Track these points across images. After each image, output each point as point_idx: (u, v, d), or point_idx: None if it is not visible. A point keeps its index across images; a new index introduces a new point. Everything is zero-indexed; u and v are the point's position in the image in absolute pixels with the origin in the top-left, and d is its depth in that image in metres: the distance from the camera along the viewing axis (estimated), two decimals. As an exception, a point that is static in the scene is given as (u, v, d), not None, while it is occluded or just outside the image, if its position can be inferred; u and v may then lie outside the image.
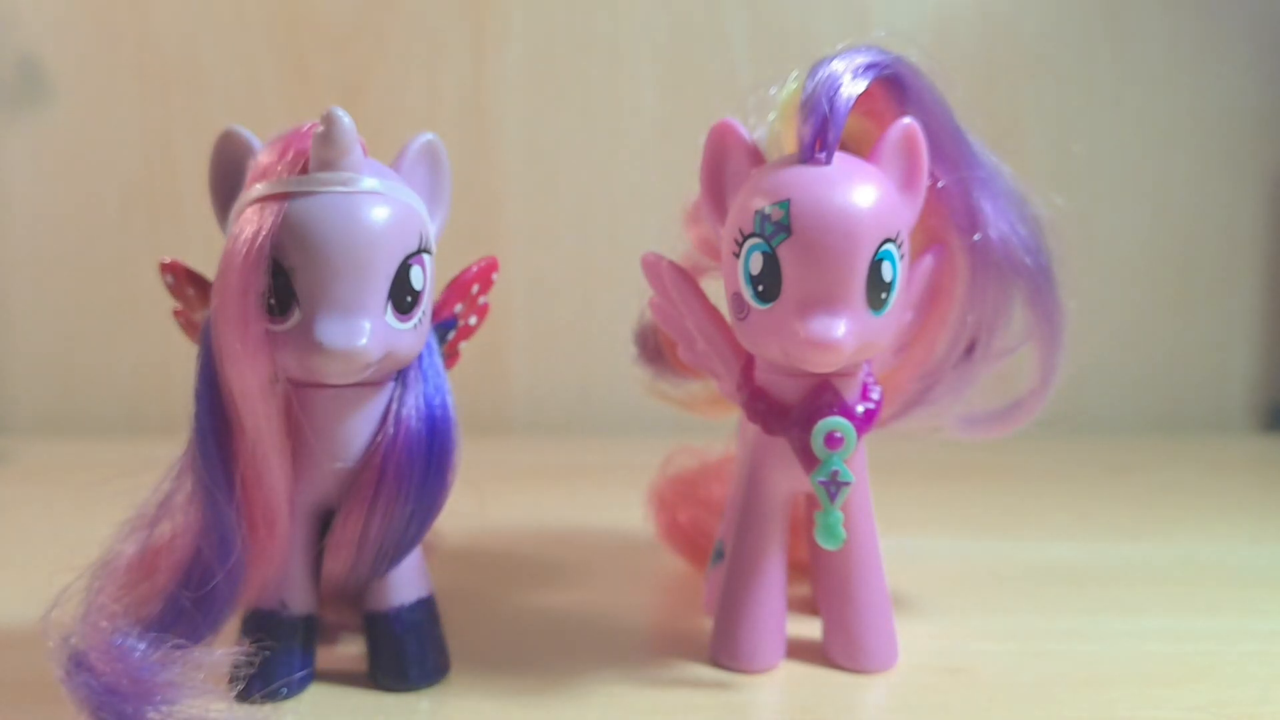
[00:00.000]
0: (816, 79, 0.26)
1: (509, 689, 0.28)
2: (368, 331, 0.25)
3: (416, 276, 0.26)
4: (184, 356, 0.27)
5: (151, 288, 0.32)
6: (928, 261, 0.29)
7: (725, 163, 0.28)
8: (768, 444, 0.29)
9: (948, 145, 0.29)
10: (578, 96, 0.66)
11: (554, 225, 0.67)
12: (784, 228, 0.25)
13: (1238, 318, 0.69)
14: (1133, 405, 0.68)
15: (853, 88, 0.26)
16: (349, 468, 0.27)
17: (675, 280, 0.29)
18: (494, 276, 0.31)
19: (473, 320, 0.31)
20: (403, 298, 0.26)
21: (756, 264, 0.26)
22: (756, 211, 0.26)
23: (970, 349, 0.30)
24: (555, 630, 0.33)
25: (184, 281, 0.30)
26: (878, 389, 0.29)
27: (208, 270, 0.27)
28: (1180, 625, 0.33)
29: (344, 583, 0.28)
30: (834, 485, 0.27)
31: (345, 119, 0.26)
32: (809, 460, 0.27)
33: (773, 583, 0.30)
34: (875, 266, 0.26)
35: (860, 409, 0.28)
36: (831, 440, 0.27)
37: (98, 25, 0.65)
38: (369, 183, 0.26)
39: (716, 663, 0.30)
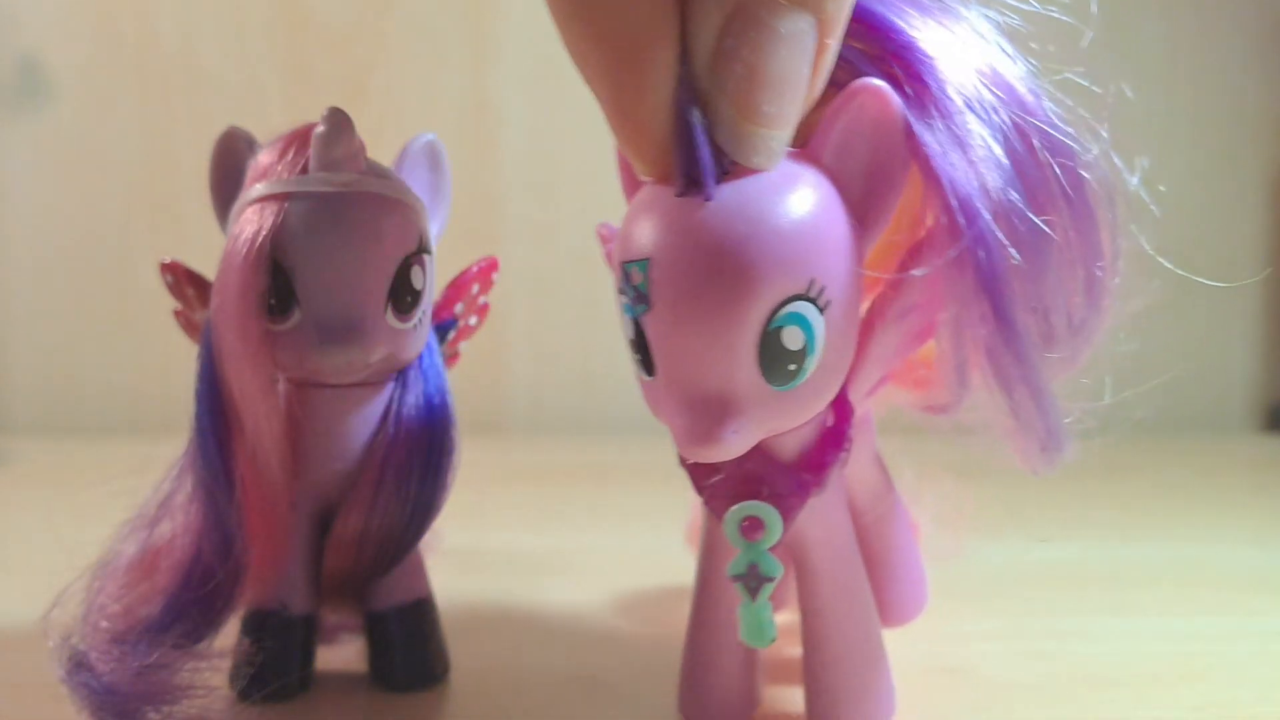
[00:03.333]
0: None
1: (509, 689, 0.28)
2: (368, 331, 0.25)
3: (416, 276, 0.26)
4: (184, 356, 0.27)
5: (151, 288, 0.32)
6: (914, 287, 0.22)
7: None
8: None
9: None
10: (578, 96, 0.65)
11: (554, 225, 0.67)
12: (643, 298, 0.19)
13: (1238, 318, 0.69)
14: (1133, 405, 0.68)
15: None
16: (349, 468, 0.27)
17: None
18: (494, 276, 0.31)
19: (473, 320, 0.31)
20: (403, 298, 0.26)
21: (629, 329, 0.20)
22: (621, 265, 0.20)
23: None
24: (555, 630, 0.33)
25: (184, 281, 0.30)
26: (842, 444, 0.22)
27: (208, 270, 0.27)
28: (1180, 625, 0.33)
29: (344, 583, 0.28)
30: (753, 580, 0.22)
31: (345, 119, 0.26)
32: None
33: (733, 645, 0.24)
34: (773, 337, 0.19)
35: (804, 474, 0.22)
36: (749, 529, 0.21)
37: (98, 25, 0.65)
38: (369, 183, 0.26)
39: (683, 716, 0.26)
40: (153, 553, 0.26)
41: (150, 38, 0.66)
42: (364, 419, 0.27)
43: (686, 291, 0.19)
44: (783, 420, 0.20)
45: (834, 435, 0.22)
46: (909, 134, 0.20)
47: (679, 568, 0.39)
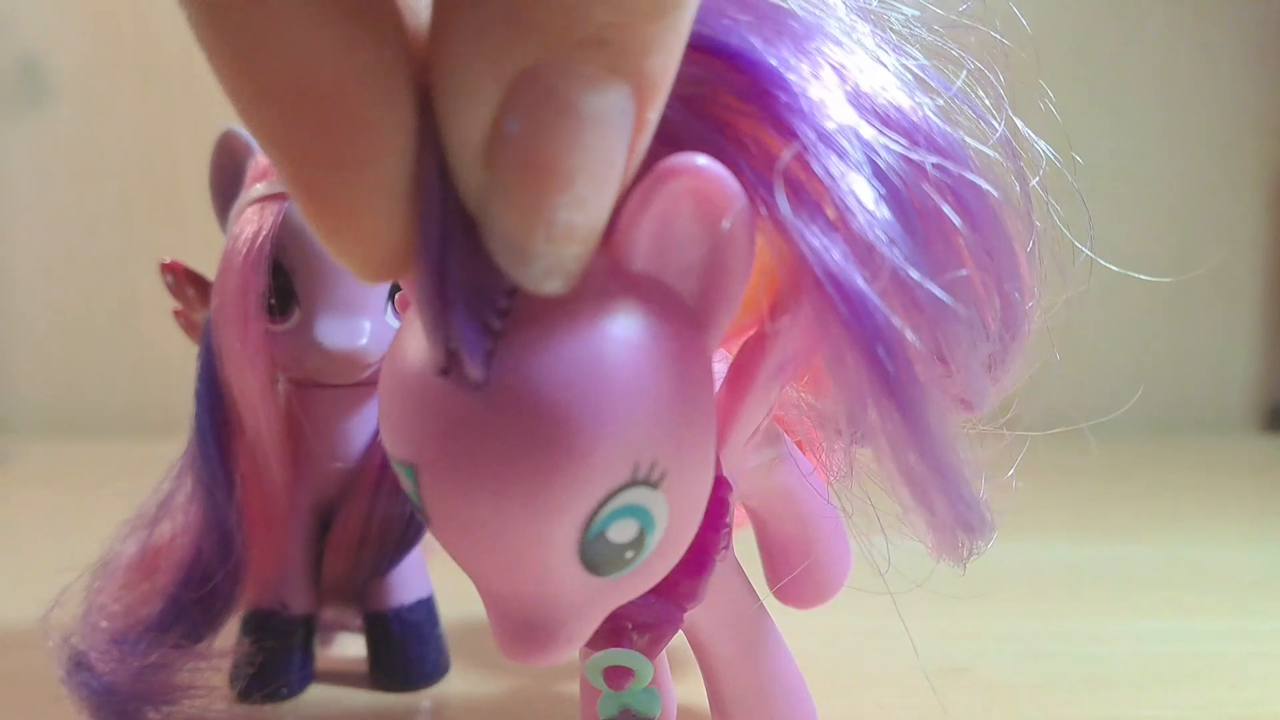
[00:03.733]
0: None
1: (509, 689, 0.28)
2: (368, 331, 0.25)
3: (416, 276, 0.26)
4: (184, 356, 0.27)
5: (151, 288, 0.32)
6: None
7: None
8: None
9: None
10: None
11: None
12: (420, 509, 0.15)
13: (1238, 318, 0.69)
14: (1133, 405, 0.68)
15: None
16: (349, 468, 0.27)
17: None
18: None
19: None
20: (403, 298, 0.26)
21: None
22: (391, 458, 0.15)
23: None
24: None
25: (184, 281, 0.30)
26: (722, 529, 0.18)
27: (208, 270, 0.27)
28: (1180, 625, 0.33)
29: (344, 582, 0.28)
30: None
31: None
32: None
33: None
34: (595, 541, 0.14)
35: (669, 589, 0.18)
36: (613, 677, 0.18)
37: (98, 25, 0.66)
38: (369, 183, 0.26)
39: None
40: (153, 553, 0.26)
41: (150, 38, 0.66)
42: (364, 419, 0.27)
43: (472, 520, 0.14)
44: (626, 597, 0.16)
45: (703, 545, 0.17)
46: (754, 213, 0.15)
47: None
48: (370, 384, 0.27)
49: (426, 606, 0.29)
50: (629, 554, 0.15)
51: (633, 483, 0.14)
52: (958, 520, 0.19)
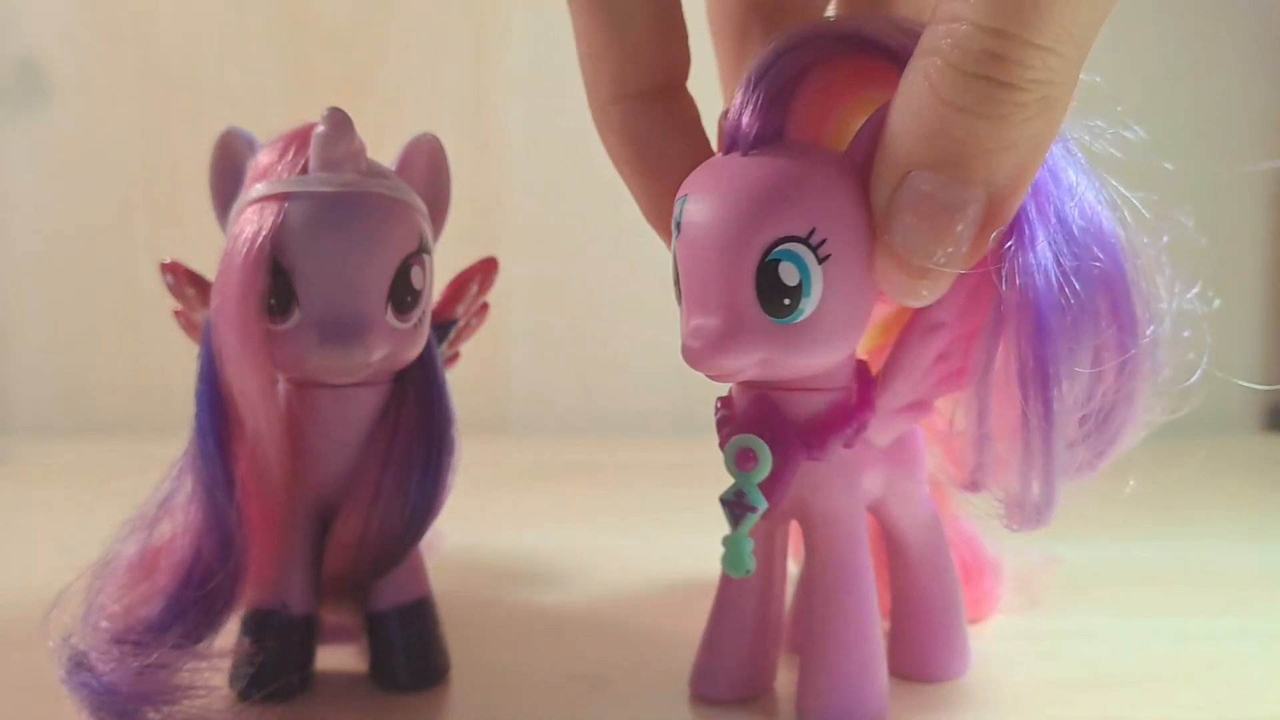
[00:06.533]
0: (760, 55, 0.23)
1: (509, 689, 0.28)
2: (368, 331, 0.25)
3: (416, 276, 0.26)
4: (184, 356, 0.27)
5: (151, 288, 0.32)
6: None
7: None
8: None
9: None
10: (579, 96, 0.66)
11: (554, 225, 0.67)
12: (678, 225, 0.23)
13: (1238, 318, 0.69)
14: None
15: (800, 59, 0.23)
16: (349, 468, 0.27)
17: None
18: (494, 276, 0.31)
19: (473, 320, 0.31)
20: (403, 298, 0.26)
21: (671, 265, 0.24)
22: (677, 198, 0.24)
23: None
24: (555, 631, 0.33)
25: (184, 281, 0.30)
26: (855, 421, 0.24)
27: (208, 270, 0.27)
28: (1180, 625, 0.33)
29: (344, 583, 0.28)
30: (739, 508, 0.24)
31: (345, 119, 0.26)
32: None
33: (748, 614, 0.27)
34: (769, 268, 0.22)
35: (804, 432, 0.24)
36: (742, 458, 0.24)
37: (98, 25, 0.65)
38: (369, 183, 0.26)
39: (692, 690, 0.28)
40: (153, 553, 0.26)
41: (150, 38, 0.66)
42: (364, 419, 0.27)
43: (704, 218, 0.22)
44: (780, 356, 0.22)
45: (843, 412, 0.24)
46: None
47: (679, 566, 0.39)
48: (370, 384, 0.27)
49: (426, 606, 0.29)
50: (787, 301, 0.22)
51: (805, 240, 0.22)
52: (1042, 505, 0.24)
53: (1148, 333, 0.24)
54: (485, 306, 0.31)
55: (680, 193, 0.23)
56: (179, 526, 0.25)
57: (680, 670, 0.29)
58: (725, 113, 0.24)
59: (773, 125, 0.23)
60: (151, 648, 0.24)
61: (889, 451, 0.26)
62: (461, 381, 0.30)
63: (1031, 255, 0.22)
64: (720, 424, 0.25)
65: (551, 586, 0.37)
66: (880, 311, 0.27)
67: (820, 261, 0.22)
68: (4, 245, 0.67)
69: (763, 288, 0.22)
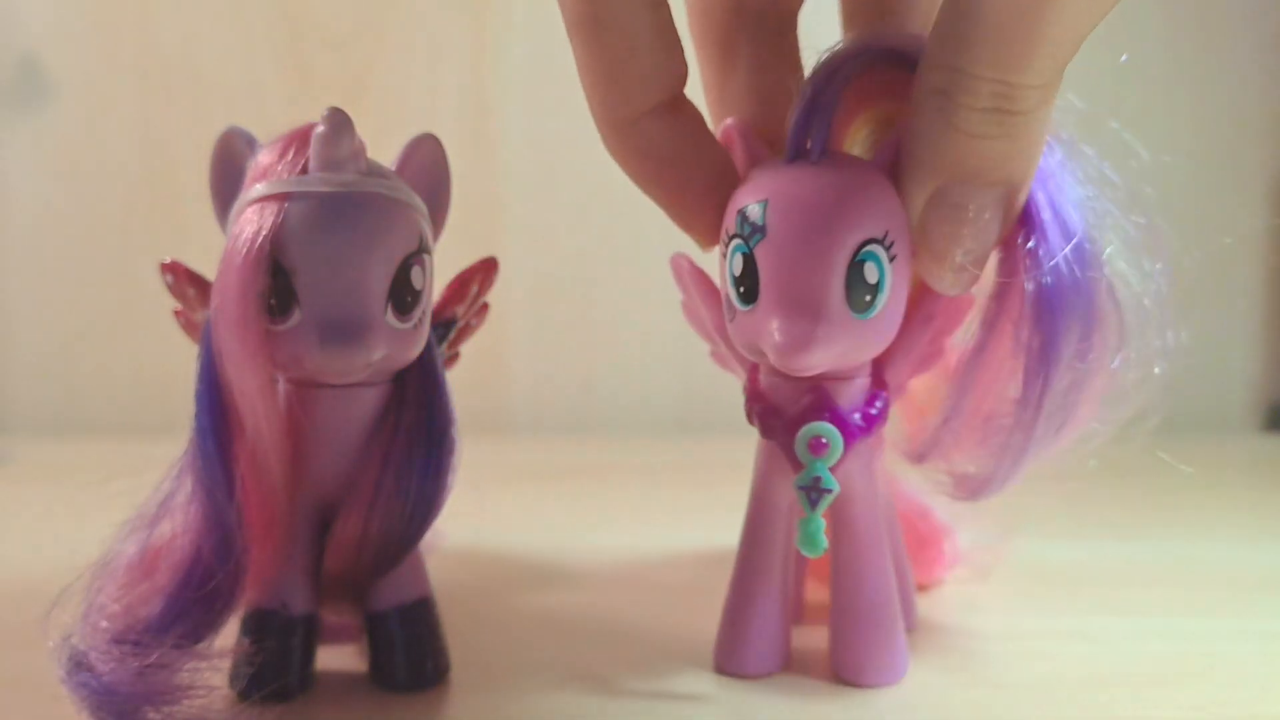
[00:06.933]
0: (814, 66, 0.26)
1: (509, 689, 0.28)
2: (368, 332, 0.25)
3: (416, 276, 0.26)
4: (184, 356, 0.27)
5: (151, 288, 0.32)
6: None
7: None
8: (771, 451, 0.28)
9: None
10: (579, 96, 0.66)
11: (554, 225, 0.67)
12: (760, 228, 0.25)
13: (1238, 318, 0.69)
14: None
15: (846, 74, 0.25)
16: (349, 468, 0.27)
17: (694, 281, 0.30)
18: (494, 276, 0.31)
19: (473, 320, 0.31)
20: (403, 298, 0.26)
21: (738, 265, 0.25)
22: (739, 211, 0.26)
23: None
24: (555, 631, 0.33)
25: (184, 281, 0.30)
26: (883, 399, 0.28)
27: (208, 270, 0.27)
28: (1180, 625, 0.33)
29: (344, 583, 0.28)
30: (815, 492, 0.26)
31: (345, 119, 0.26)
32: (797, 465, 0.27)
33: (775, 590, 0.29)
34: (856, 268, 0.25)
35: (856, 416, 0.27)
36: (815, 445, 0.26)
37: (98, 25, 0.65)
38: (369, 183, 0.26)
39: (719, 668, 0.29)
40: (153, 553, 0.26)
41: (150, 38, 0.66)
42: (364, 419, 0.27)
43: (799, 221, 0.24)
44: (852, 348, 0.25)
45: (874, 395, 0.27)
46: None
47: (679, 567, 0.39)
48: (370, 384, 0.27)
49: (426, 607, 0.29)
50: (868, 297, 0.25)
51: (881, 241, 0.25)
52: (1001, 482, 0.28)
53: (1131, 325, 0.28)
54: (485, 306, 0.31)
55: (751, 198, 0.25)
56: (179, 526, 0.25)
57: (681, 670, 0.29)
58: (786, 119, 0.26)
59: (830, 136, 0.26)
60: (151, 648, 0.24)
61: None
62: (461, 381, 0.30)
63: (1044, 244, 0.25)
64: (762, 415, 0.28)
65: (551, 586, 0.37)
66: None
67: (891, 260, 0.25)
68: (4, 245, 0.67)
69: (850, 285, 0.25)
